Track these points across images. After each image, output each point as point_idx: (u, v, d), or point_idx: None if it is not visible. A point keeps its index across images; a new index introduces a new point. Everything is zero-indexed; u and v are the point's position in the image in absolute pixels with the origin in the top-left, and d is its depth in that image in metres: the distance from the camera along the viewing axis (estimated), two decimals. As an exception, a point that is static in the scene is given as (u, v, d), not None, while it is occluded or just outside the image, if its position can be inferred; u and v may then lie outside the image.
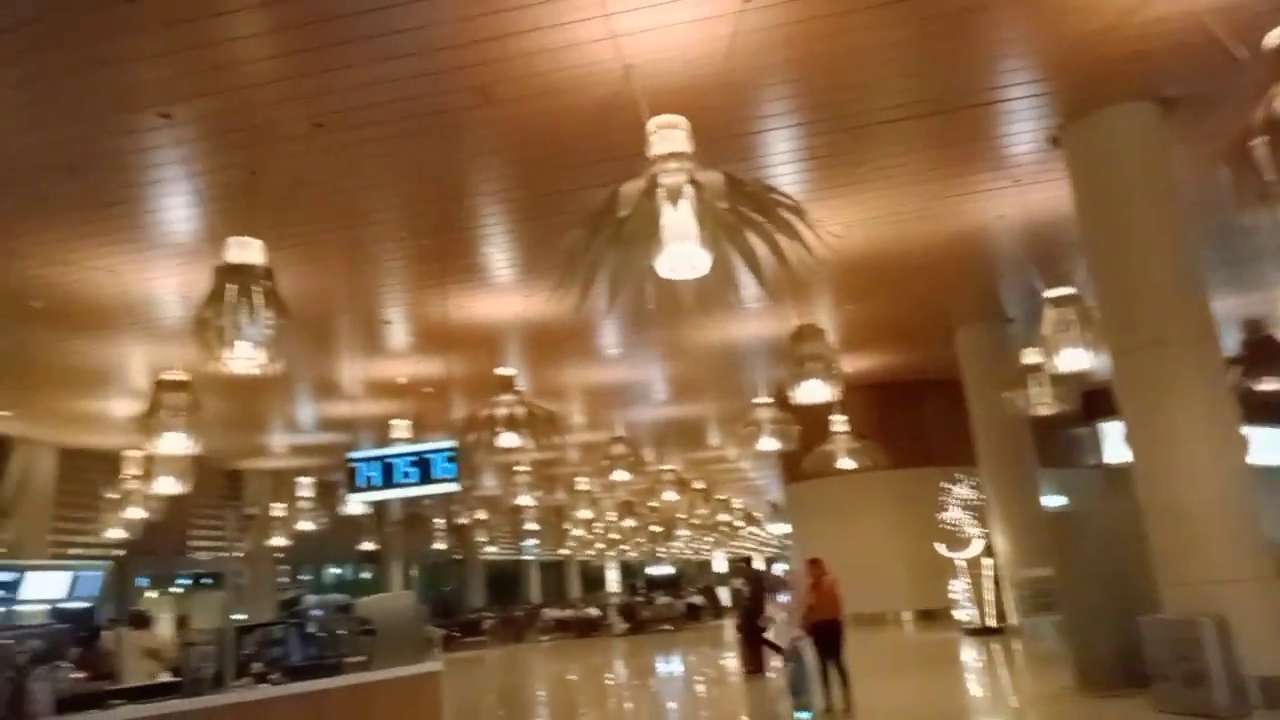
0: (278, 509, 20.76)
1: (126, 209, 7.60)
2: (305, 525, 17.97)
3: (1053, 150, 7.74)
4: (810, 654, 8.22)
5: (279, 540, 20.95)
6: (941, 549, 14.61)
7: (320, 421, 17.55)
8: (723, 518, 31.89)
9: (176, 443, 8.48)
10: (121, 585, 17.79)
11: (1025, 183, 8.38)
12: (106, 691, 4.06)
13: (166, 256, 8.71)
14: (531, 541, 33.98)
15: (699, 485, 24.58)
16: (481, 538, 27.63)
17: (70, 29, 5.22)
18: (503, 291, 10.36)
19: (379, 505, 21.84)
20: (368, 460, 7.82)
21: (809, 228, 4.23)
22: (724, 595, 27.85)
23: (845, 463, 12.35)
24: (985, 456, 13.44)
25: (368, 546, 24.88)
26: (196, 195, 7.38)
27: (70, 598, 15.52)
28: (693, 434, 21.90)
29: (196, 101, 6.01)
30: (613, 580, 44.77)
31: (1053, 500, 14.60)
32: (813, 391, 8.92)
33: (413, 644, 4.82)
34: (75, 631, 5.83)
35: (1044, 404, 10.34)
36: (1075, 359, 8.23)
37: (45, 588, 15.13)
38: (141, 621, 8.76)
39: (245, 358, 5.80)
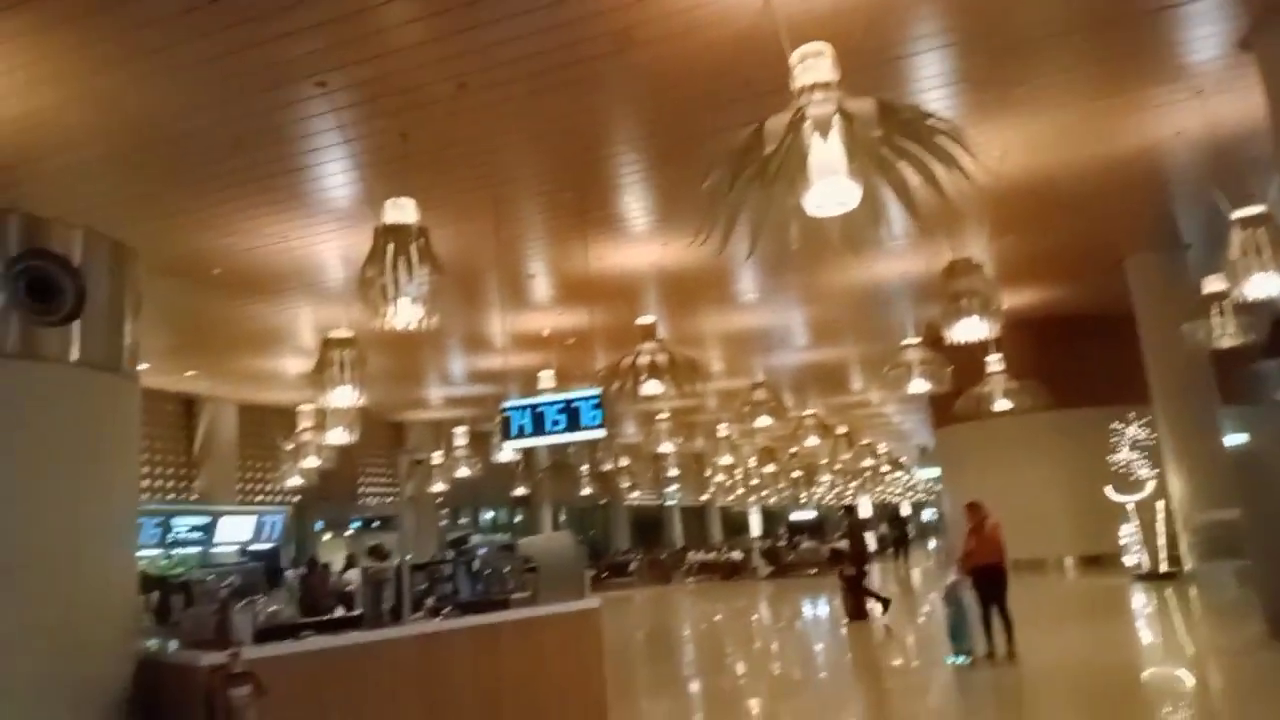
0: (437, 457, 22.00)
1: (290, 179, 8.06)
2: (462, 471, 18.89)
3: (1241, 55, 6.98)
4: (969, 598, 8.00)
5: (439, 486, 22.23)
6: (1109, 492, 13.82)
7: (472, 374, 18.32)
8: (867, 463, 31.25)
9: (345, 396, 9.06)
10: (300, 529, 19.34)
11: (1208, 93, 7.60)
12: (298, 623, 4.43)
13: (328, 221, 9.20)
14: (674, 487, 34.53)
15: (841, 430, 24.15)
16: (625, 483, 28.27)
17: (230, 12, 5.52)
18: (641, 240, 10.39)
19: (528, 452, 22.73)
20: (520, 409, 8.08)
21: (968, 152, 3.98)
22: (871, 541, 27.49)
23: (1002, 404, 11.79)
24: (1160, 394, 12.53)
25: (519, 492, 25.96)
26: (353, 161, 7.74)
27: (256, 540, 17.05)
28: (835, 379, 21.48)
29: (349, 69, 6.25)
30: (755, 525, 44.98)
31: (1235, 439, 13.48)
32: (968, 329, 8.51)
33: (573, 581, 5.01)
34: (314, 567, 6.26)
35: (1227, 336, 9.50)
36: (1265, 285, 7.48)
37: (235, 531, 16.65)
38: (380, 554, 9.57)
39: (406, 313, 6.09)
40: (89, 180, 7.70)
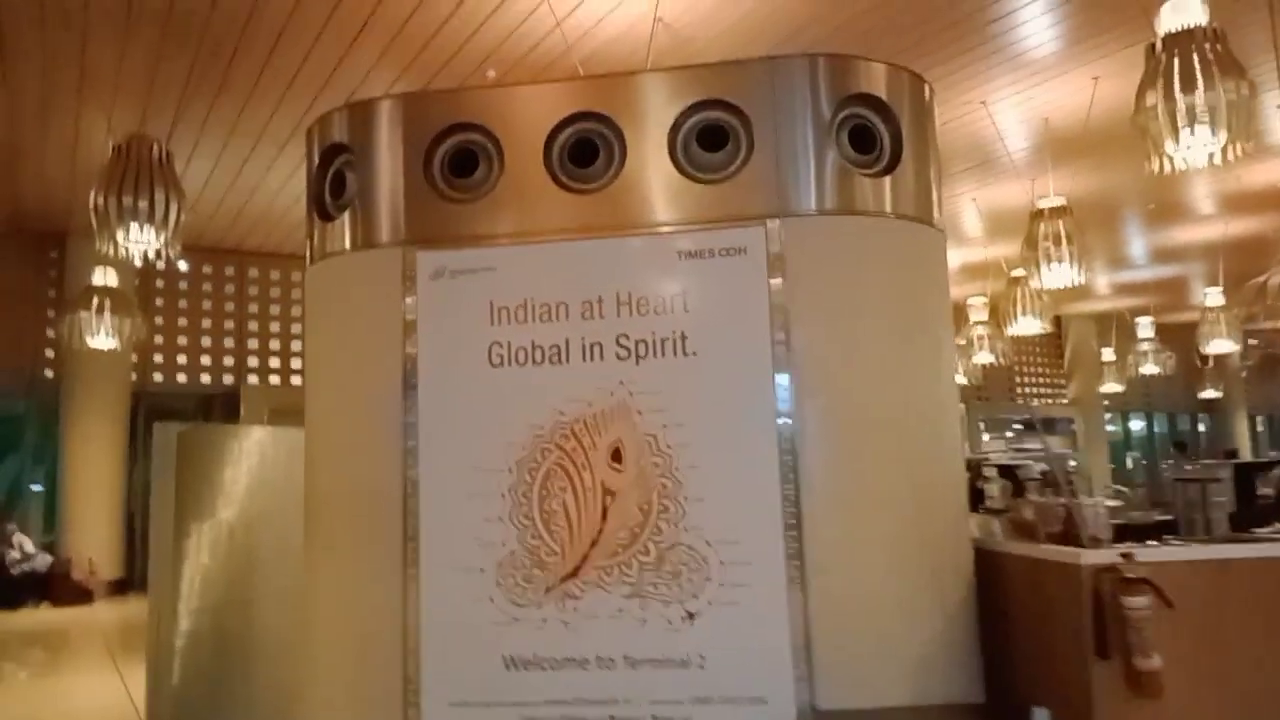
0: (1106, 354, 19.76)
1: (999, 26, 7.18)
2: (1149, 369, 16.39)
3: None
4: None
5: (1111, 386, 19.92)
6: None
7: (1157, 252, 15.61)
8: None
9: (1061, 275, 8.01)
10: (966, 427, 19.02)
11: None
12: (1152, 523, 3.64)
13: (1025, 75, 8.12)
14: None
15: None
16: (1370, 383, 21.93)
17: None
18: None
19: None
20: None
21: None
22: None
23: None
24: None
25: (1207, 394, 21.93)
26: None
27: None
28: None
29: None
30: None
31: None
32: None
33: None
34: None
35: None
36: None
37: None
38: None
39: (1201, 145, 4.76)
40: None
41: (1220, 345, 13.59)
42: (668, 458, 3.24)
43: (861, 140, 3.39)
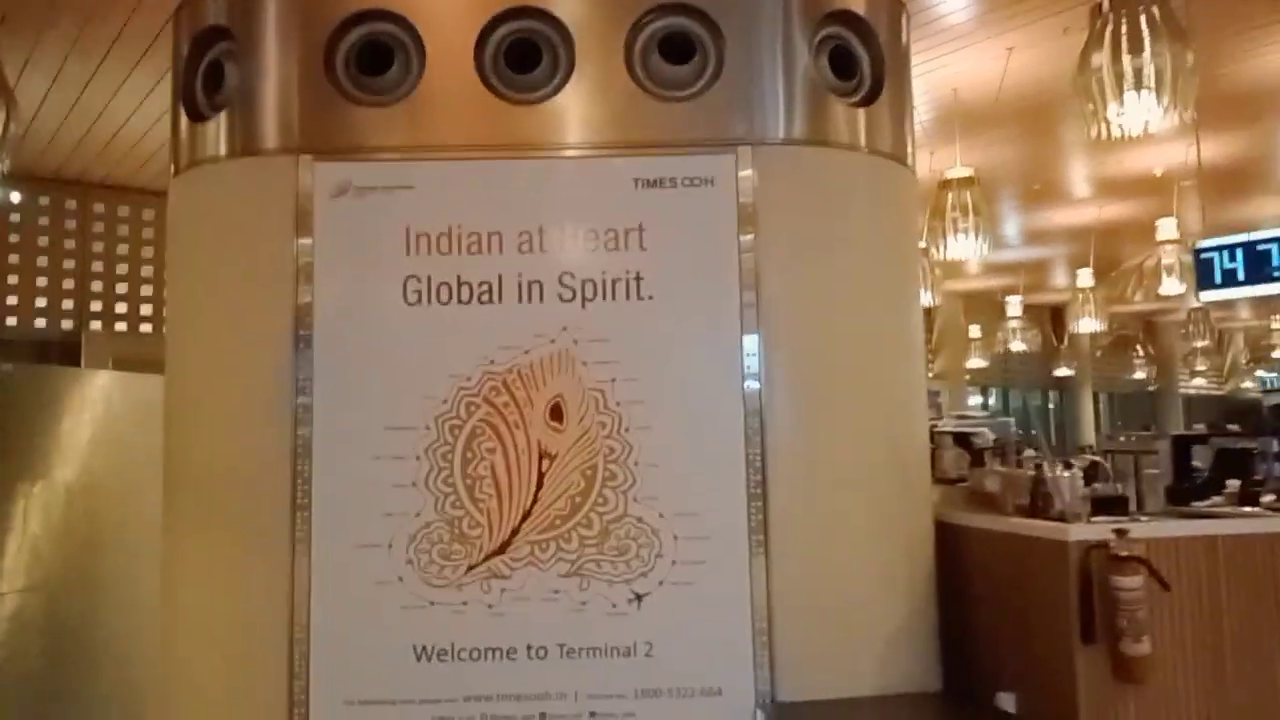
0: (973, 331, 20.51)
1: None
2: (1017, 346, 17.11)
3: None
4: None
5: (976, 363, 20.72)
6: None
7: (1029, 234, 16.20)
8: None
9: (965, 247, 8.00)
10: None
11: None
12: (1124, 496, 3.50)
13: (937, 41, 7.99)
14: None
15: None
16: (1201, 366, 23.84)
17: None
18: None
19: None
20: (1226, 249, 6.24)
21: None
22: None
23: None
24: None
25: (1061, 372, 23.38)
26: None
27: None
28: None
29: None
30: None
31: None
32: None
33: None
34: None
35: None
36: None
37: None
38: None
39: (1140, 109, 4.66)
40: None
41: (1088, 324, 14.22)
42: (616, 416, 2.80)
43: (842, 64, 3.01)
